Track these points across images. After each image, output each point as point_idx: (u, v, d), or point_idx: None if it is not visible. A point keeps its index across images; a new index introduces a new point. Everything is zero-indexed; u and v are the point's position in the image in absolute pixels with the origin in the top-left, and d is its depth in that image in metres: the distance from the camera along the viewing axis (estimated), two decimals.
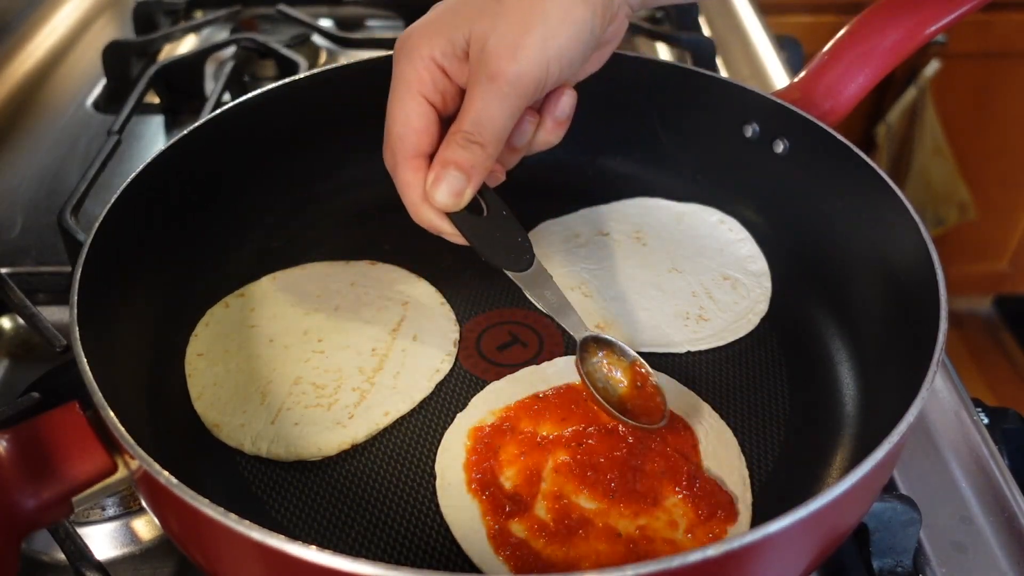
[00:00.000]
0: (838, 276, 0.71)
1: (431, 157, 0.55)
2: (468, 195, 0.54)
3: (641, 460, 0.58)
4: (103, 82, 1.09)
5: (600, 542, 0.54)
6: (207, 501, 0.43)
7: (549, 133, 0.59)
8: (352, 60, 0.80)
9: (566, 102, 0.58)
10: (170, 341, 0.67)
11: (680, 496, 0.56)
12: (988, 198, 2.17)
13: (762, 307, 0.72)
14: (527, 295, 0.60)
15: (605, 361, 0.61)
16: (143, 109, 1.02)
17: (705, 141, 0.80)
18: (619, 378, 0.61)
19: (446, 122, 0.56)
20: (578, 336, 0.60)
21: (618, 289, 0.73)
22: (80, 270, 0.56)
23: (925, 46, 0.74)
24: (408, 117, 0.55)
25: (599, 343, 0.61)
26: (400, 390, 0.64)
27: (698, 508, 0.55)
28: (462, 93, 0.55)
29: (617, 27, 0.59)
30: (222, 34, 1.19)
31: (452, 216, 0.56)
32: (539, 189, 0.83)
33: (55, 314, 0.74)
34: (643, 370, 0.60)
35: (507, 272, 0.59)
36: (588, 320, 0.70)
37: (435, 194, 0.54)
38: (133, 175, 0.64)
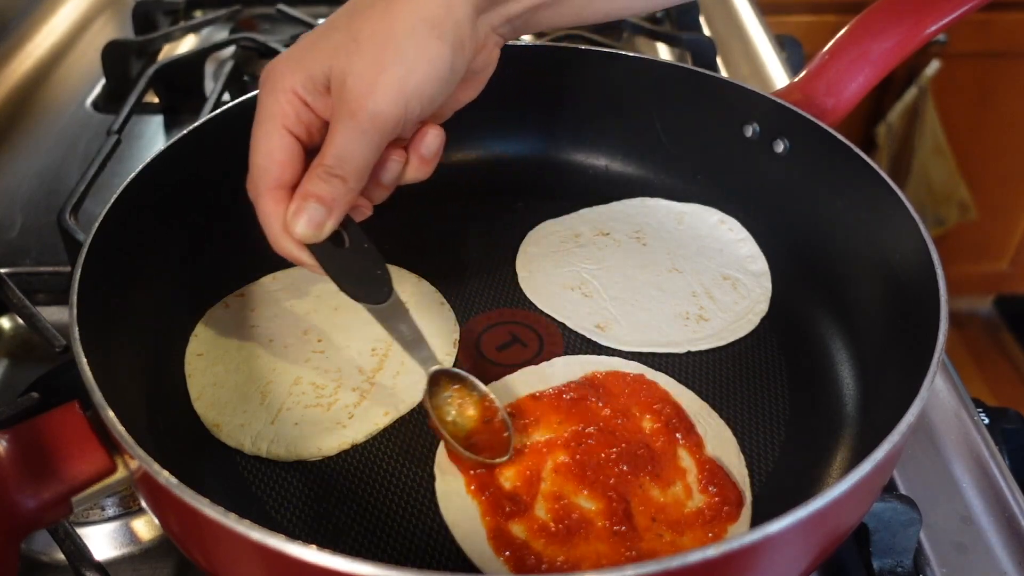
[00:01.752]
0: (838, 276, 0.71)
1: (294, 188, 0.55)
2: (329, 228, 0.54)
3: (639, 460, 0.58)
4: (103, 82, 1.09)
5: (600, 542, 0.54)
6: (207, 501, 0.43)
7: (416, 170, 0.59)
8: None
9: (431, 141, 0.58)
10: (170, 341, 0.67)
11: (689, 489, 0.56)
12: (988, 198, 2.17)
13: (762, 307, 0.72)
14: (382, 327, 0.59)
15: (456, 396, 0.60)
16: (143, 109, 1.02)
17: (705, 141, 0.80)
18: (470, 413, 0.60)
19: (312, 153, 0.55)
20: (427, 370, 0.59)
21: (618, 289, 0.73)
22: (80, 270, 0.56)
23: (925, 46, 0.74)
24: (271, 149, 0.54)
25: (450, 377, 0.60)
26: (400, 390, 0.64)
27: (707, 501, 0.55)
28: (326, 125, 0.55)
29: (486, 57, 0.58)
30: (222, 34, 1.19)
31: (312, 248, 0.55)
32: (539, 189, 0.83)
33: (55, 314, 0.74)
34: (492, 405, 0.60)
35: (363, 305, 0.58)
36: (588, 320, 0.70)
37: (295, 225, 0.53)
38: (133, 175, 0.64)
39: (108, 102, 1.07)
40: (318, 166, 0.53)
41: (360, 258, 0.58)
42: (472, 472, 0.58)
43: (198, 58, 1.05)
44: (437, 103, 0.55)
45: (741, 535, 0.41)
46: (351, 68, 0.52)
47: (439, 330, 0.69)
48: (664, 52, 1.17)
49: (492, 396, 0.60)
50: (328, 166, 0.53)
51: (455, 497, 0.57)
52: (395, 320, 0.59)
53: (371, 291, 0.58)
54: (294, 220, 0.53)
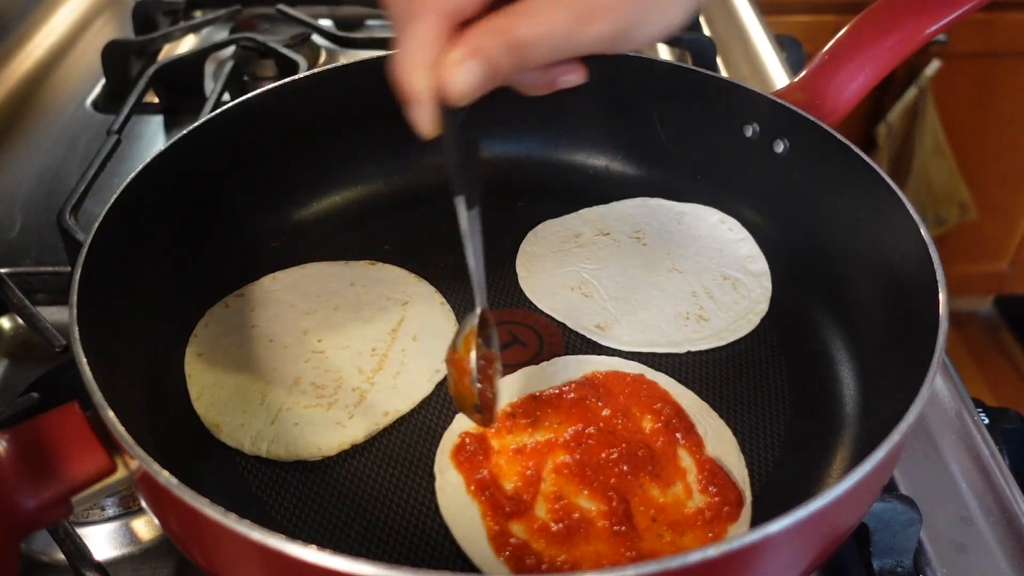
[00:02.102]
0: (838, 276, 0.71)
1: (458, 28, 0.47)
2: (475, 95, 0.47)
3: (639, 460, 0.58)
4: (103, 82, 1.09)
5: (600, 542, 0.54)
6: (207, 501, 0.43)
7: (566, 82, 0.54)
8: (352, 60, 0.79)
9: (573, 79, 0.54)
10: (170, 341, 0.67)
11: (689, 489, 0.56)
12: (988, 198, 2.18)
13: (762, 307, 0.72)
14: (462, 235, 0.55)
15: (490, 343, 0.58)
16: (143, 109, 1.02)
17: (705, 141, 0.80)
18: (496, 367, 0.59)
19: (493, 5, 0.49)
20: (480, 304, 0.57)
21: (618, 289, 0.73)
22: (80, 270, 0.56)
23: (925, 46, 0.74)
24: None
25: (486, 324, 0.58)
26: (400, 390, 0.64)
27: (707, 501, 0.55)
28: None
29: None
30: (222, 34, 1.19)
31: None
32: (539, 189, 0.83)
33: (55, 314, 0.74)
34: (494, 372, 0.59)
35: (456, 202, 0.53)
36: (588, 320, 0.70)
37: (452, 72, 0.46)
38: (132, 175, 0.63)
39: (108, 102, 1.07)
40: (508, 33, 0.46)
41: (468, 146, 0.51)
42: (468, 460, 0.58)
43: (198, 58, 1.05)
44: (646, 42, 0.50)
45: (741, 535, 0.41)
46: None
47: (439, 330, 0.69)
48: (664, 52, 1.17)
49: (499, 365, 0.59)
50: (521, 42, 0.46)
51: (455, 497, 0.57)
52: (474, 234, 0.54)
53: (473, 190, 0.52)
54: (455, 67, 0.46)
